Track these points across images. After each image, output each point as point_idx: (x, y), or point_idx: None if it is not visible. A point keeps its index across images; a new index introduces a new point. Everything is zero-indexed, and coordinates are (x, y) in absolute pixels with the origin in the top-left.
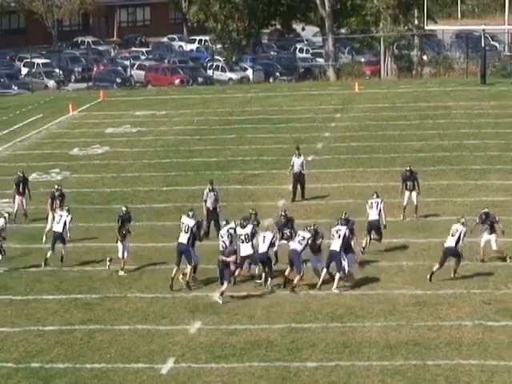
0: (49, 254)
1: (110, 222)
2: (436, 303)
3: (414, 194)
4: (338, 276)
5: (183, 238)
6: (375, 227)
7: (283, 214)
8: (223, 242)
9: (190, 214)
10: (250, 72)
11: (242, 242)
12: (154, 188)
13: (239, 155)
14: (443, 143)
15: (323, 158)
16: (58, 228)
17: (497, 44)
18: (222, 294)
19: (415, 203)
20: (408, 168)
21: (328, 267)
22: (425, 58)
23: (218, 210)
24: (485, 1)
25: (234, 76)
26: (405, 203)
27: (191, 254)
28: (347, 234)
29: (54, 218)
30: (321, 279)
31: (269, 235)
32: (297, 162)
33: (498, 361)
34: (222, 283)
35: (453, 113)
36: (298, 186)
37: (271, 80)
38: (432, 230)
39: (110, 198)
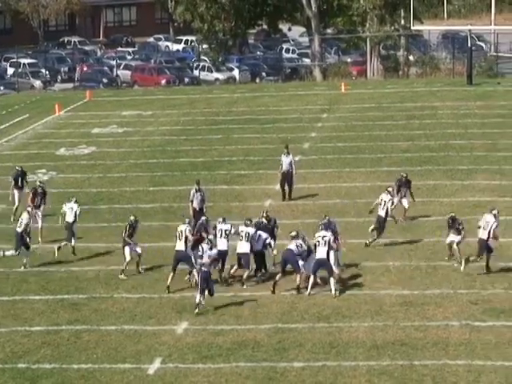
0: (63, 244)
1: (96, 223)
2: (423, 303)
3: (405, 200)
4: (332, 280)
5: (180, 245)
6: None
7: (264, 215)
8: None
9: (187, 221)
10: (236, 72)
11: (241, 240)
12: (141, 188)
13: (226, 155)
14: (430, 143)
15: (310, 158)
16: (70, 219)
17: (483, 44)
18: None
19: (406, 207)
20: (405, 175)
21: (315, 274)
22: (411, 58)
23: (205, 210)
24: (471, 1)
25: (220, 76)
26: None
27: (191, 259)
28: (332, 239)
29: (32, 215)
30: (309, 286)
31: (264, 235)
32: (285, 160)
33: (485, 361)
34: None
35: (439, 113)
36: (286, 185)
37: (258, 80)
38: (418, 230)
39: (96, 198)
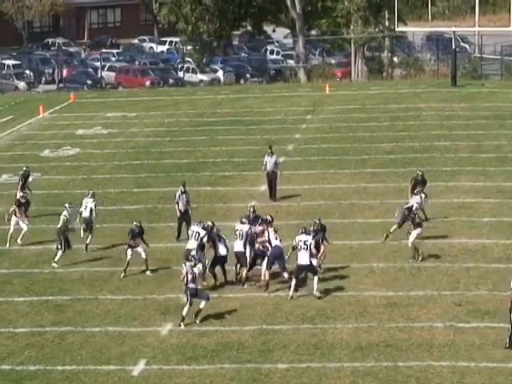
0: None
1: (80, 224)
2: (407, 305)
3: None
4: (316, 279)
5: (191, 244)
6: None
7: (252, 210)
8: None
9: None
10: (220, 74)
11: (236, 239)
12: (125, 190)
13: (210, 157)
14: (414, 145)
15: (294, 159)
16: (86, 214)
17: (467, 46)
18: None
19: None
20: (421, 173)
21: (297, 278)
22: (395, 59)
23: (190, 212)
24: (455, 3)
25: (204, 78)
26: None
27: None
28: (313, 244)
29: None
30: (292, 289)
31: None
32: (270, 161)
33: (469, 362)
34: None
35: (423, 114)
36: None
37: (242, 82)
38: (402, 231)
39: (80, 199)
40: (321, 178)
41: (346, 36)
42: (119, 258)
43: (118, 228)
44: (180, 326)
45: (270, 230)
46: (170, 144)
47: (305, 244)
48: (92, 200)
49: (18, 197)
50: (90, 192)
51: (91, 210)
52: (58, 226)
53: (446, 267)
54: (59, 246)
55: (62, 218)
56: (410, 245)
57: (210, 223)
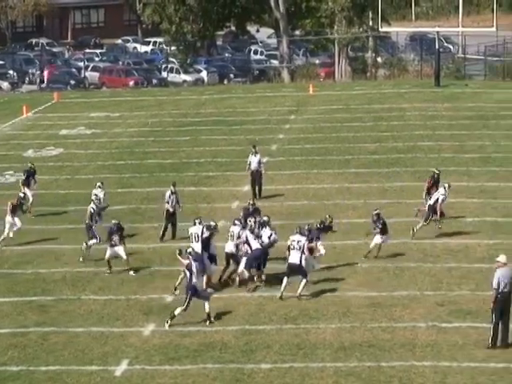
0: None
1: (64, 224)
2: (390, 305)
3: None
4: (303, 282)
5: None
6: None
7: (251, 202)
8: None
9: (197, 221)
10: (204, 74)
11: (228, 239)
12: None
13: (194, 157)
14: (397, 145)
15: (278, 159)
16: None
17: (451, 46)
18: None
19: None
20: (438, 171)
21: (288, 277)
22: (379, 59)
23: (180, 210)
24: (439, 3)
25: (188, 78)
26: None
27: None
28: (306, 245)
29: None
30: (282, 288)
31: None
32: (254, 160)
33: (451, 362)
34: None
35: (407, 114)
36: (256, 185)
37: (226, 82)
38: (394, 231)
39: (64, 199)
40: (304, 178)
41: (330, 36)
42: (102, 259)
43: (101, 229)
44: (167, 323)
45: (248, 232)
46: (154, 144)
47: (297, 244)
48: (100, 190)
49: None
50: (99, 182)
51: (100, 200)
52: (86, 220)
53: (429, 267)
54: (89, 242)
55: (88, 210)
56: (372, 245)
57: (212, 223)
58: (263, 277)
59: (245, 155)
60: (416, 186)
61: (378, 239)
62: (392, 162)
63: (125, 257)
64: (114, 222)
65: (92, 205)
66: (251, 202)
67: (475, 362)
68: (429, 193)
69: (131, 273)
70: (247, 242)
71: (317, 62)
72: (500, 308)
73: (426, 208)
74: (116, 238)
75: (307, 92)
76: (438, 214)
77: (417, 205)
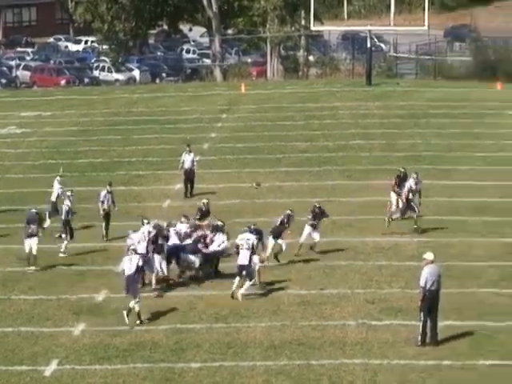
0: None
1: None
2: (320, 303)
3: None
4: (248, 283)
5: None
6: None
7: (206, 202)
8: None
9: (145, 221)
10: (136, 73)
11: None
12: (39, 189)
13: (125, 156)
14: (328, 144)
15: (209, 158)
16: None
17: (383, 45)
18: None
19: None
20: (403, 169)
21: (241, 276)
22: (311, 58)
23: (116, 209)
24: (371, 2)
25: (120, 77)
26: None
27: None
28: (255, 243)
29: None
30: (234, 286)
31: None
32: (187, 158)
33: (382, 360)
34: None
35: (339, 113)
36: (189, 183)
37: (158, 81)
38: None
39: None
40: (236, 176)
41: (263, 35)
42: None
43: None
44: (140, 322)
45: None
46: (85, 143)
47: (246, 243)
48: (57, 182)
49: None
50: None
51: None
52: (62, 216)
53: (360, 265)
54: (63, 236)
55: (64, 207)
56: (317, 240)
57: (161, 223)
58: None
59: (177, 154)
60: (347, 185)
61: (316, 235)
62: (324, 160)
63: (35, 252)
64: (32, 210)
65: (67, 202)
66: (206, 202)
67: (405, 360)
68: (396, 192)
69: (31, 268)
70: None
71: (249, 60)
72: (428, 306)
73: (400, 205)
74: (34, 227)
75: (239, 91)
76: (404, 199)
77: (339, 203)
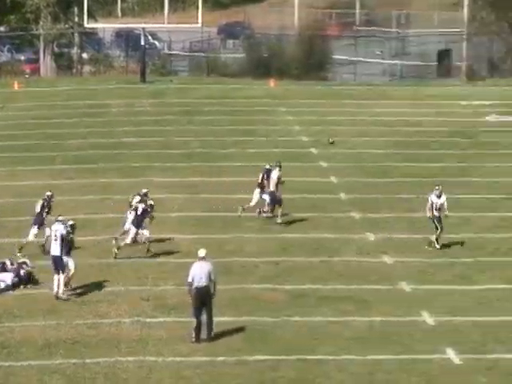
0: None
1: None
2: (96, 301)
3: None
4: (62, 278)
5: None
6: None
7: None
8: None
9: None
10: None
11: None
12: None
13: None
14: (102, 141)
15: None
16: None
17: (157, 42)
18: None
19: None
20: (269, 166)
21: (58, 272)
22: (85, 56)
23: None
24: None
25: None
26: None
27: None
28: (65, 234)
29: None
30: (54, 284)
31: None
32: None
33: (157, 357)
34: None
35: (112, 111)
36: None
37: None
38: (93, 227)
39: None
40: (9, 175)
41: (35, 32)
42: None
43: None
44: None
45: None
46: None
47: (55, 235)
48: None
49: None
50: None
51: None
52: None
53: (135, 262)
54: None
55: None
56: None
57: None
58: None
59: None
60: (121, 183)
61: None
62: (98, 158)
63: None
64: None
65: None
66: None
67: (180, 357)
68: (262, 187)
69: None
70: None
71: (22, 58)
72: (199, 302)
73: (268, 199)
74: None
75: (12, 88)
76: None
77: (117, 200)
